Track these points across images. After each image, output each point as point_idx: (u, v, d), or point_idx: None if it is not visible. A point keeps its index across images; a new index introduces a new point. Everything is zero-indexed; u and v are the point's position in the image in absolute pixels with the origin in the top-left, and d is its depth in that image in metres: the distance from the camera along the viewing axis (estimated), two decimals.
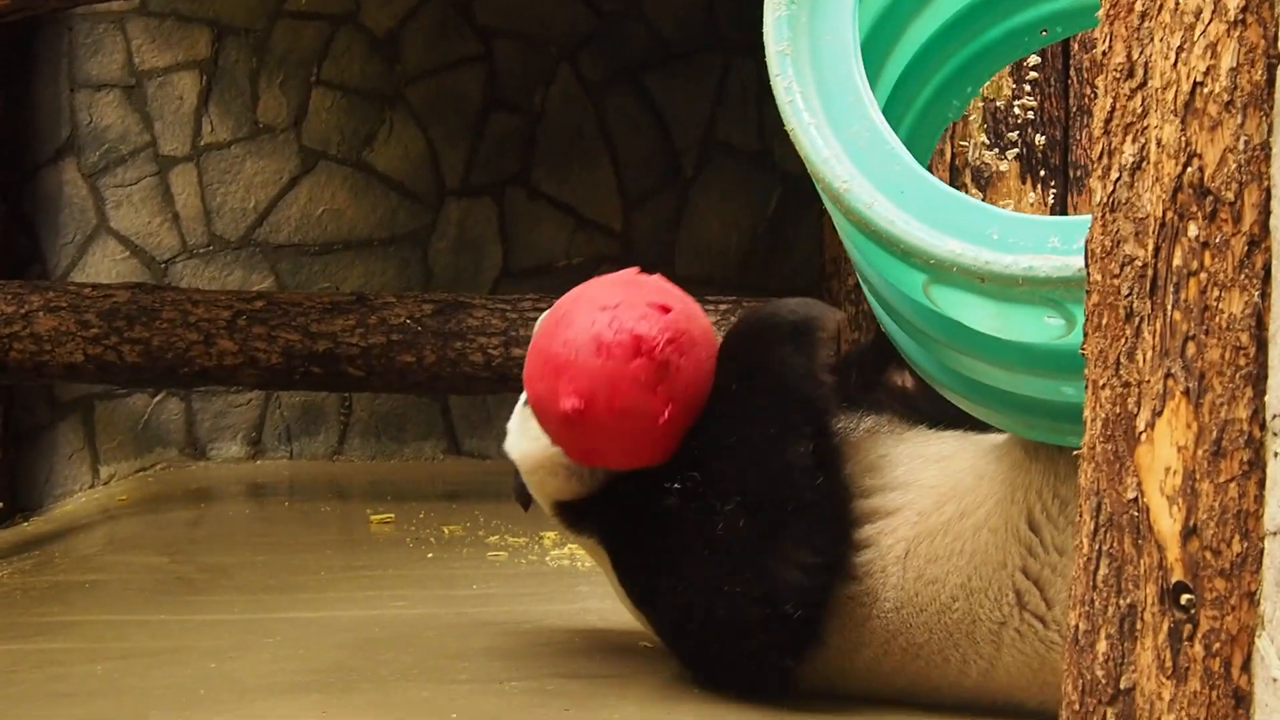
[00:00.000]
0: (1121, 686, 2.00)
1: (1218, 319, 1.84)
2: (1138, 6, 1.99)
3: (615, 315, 3.39)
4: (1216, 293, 1.84)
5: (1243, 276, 1.83)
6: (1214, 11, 1.85)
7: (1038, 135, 5.13)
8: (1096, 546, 2.03)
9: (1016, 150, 4.95)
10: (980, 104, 4.86)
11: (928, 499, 3.32)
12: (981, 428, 3.31)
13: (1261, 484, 1.82)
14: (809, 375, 3.34)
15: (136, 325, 5.97)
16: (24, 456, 7.38)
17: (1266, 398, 1.82)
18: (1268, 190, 1.83)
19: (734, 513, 3.26)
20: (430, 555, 5.22)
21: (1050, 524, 3.16)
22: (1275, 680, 1.76)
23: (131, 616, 4.41)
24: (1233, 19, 1.84)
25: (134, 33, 7.56)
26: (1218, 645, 1.84)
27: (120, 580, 4.96)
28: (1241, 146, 1.83)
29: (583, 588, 4.68)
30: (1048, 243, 2.45)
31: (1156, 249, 1.90)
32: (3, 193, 7.29)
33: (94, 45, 7.54)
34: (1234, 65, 1.84)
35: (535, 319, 5.98)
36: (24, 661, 3.89)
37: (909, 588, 3.27)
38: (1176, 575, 1.86)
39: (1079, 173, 5.32)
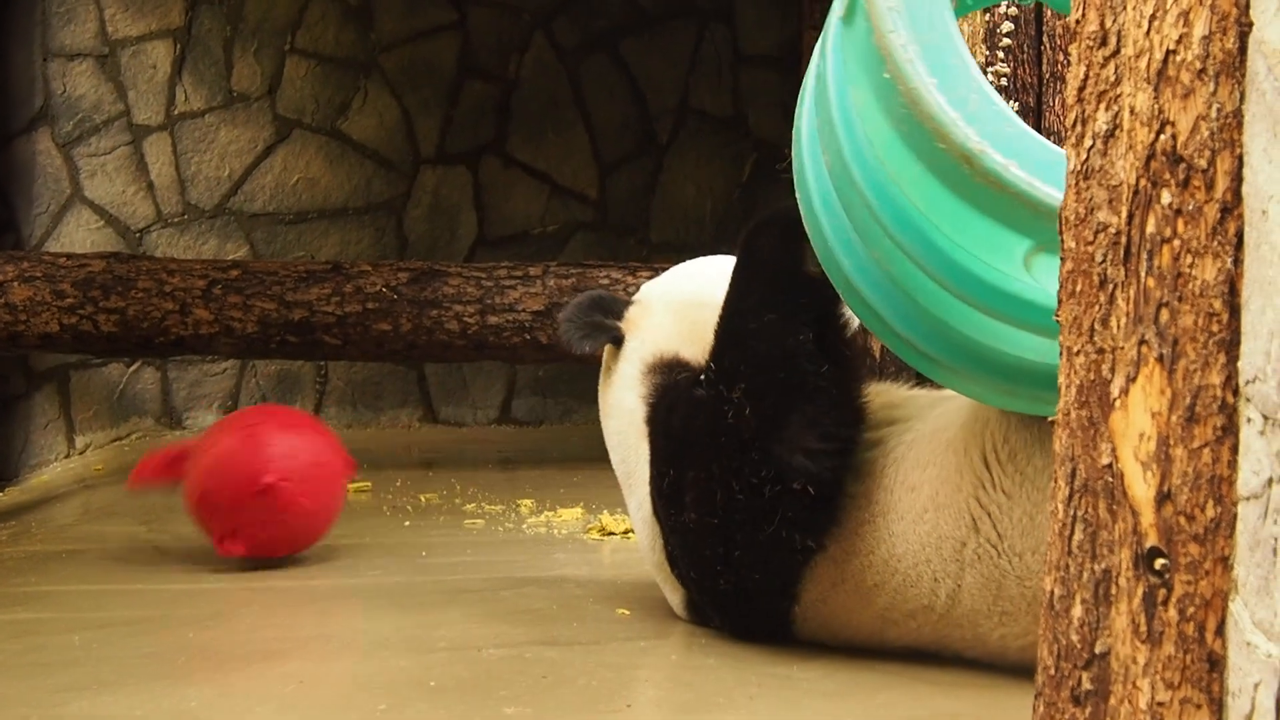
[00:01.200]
0: (1096, 651, 2.01)
1: (1191, 285, 1.85)
2: None
3: None
4: (1190, 260, 1.85)
5: (1215, 243, 1.83)
6: None
7: (1011, 101, 5.14)
8: (1071, 512, 2.04)
9: None
10: None
11: (920, 412, 3.41)
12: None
13: (1235, 449, 1.83)
14: (797, 265, 3.45)
15: (112, 295, 5.96)
16: (0, 426, 7.37)
17: (1239, 364, 1.83)
18: (1240, 158, 1.83)
19: (741, 401, 3.33)
20: (407, 524, 5.23)
21: (999, 466, 3.23)
22: (1249, 644, 1.77)
23: (108, 586, 4.41)
24: None
25: (107, 1, 7.53)
26: (1192, 610, 1.84)
27: (97, 550, 4.96)
28: (1214, 114, 1.84)
29: (559, 555, 4.70)
30: None
31: (1130, 216, 1.91)
32: None
33: (67, 14, 7.51)
34: (1206, 33, 1.84)
35: (511, 287, 6.00)
36: (1, 632, 3.89)
37: (895, 492, 3.34)
38: (1151, 540, 1.87)
39: (1052, 139, 5.33)
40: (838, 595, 3.42)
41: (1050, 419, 2.12)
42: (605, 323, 3.80)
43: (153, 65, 7.57)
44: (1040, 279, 2.70)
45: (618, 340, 3.80)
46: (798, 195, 3.28)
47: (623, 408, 3.76)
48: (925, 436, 3.38)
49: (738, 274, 3.52)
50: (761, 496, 3.33)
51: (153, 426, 7.56)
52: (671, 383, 3.65)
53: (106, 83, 7.54)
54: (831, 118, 2.97)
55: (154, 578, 4.52)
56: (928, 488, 3.31)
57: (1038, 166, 2.55)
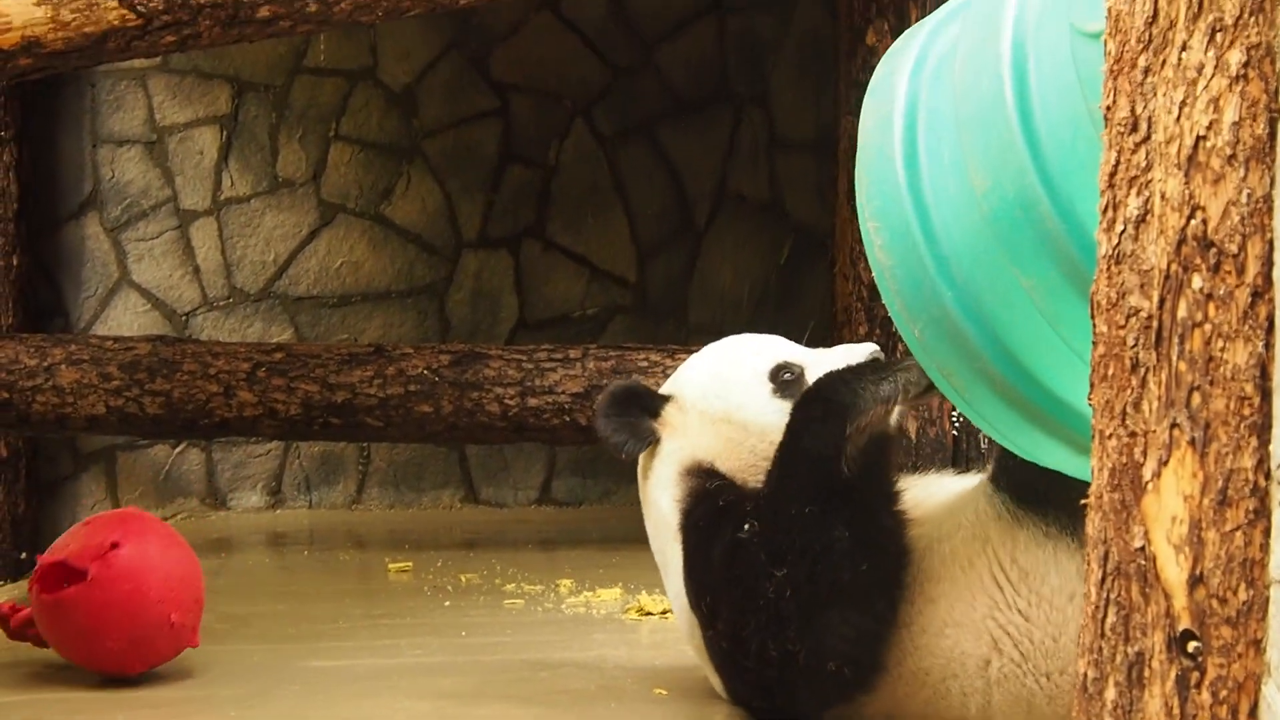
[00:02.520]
0: None
1: (1222, 369, 1.86)
2: (1141, 62, 2.02)
3: None
4: (1221, 344, 1.87)
5: (1246, 328, 1.85)
6: (1216, 67, 1.88)
7: None
8: (1104, 594, 2.05)
9: None
10: None
11: (929, 515, 3.41)
12: None
13: (1267, 532, 1.84)
14: (836, 455, 3.37)
15: (158, 377, 6.01)
16: (47, 507, 7.42)
17: (1271, 447, 1.84)
18: (1270, 242, 1.85)
19: (783, 581, 3.31)
20: (447, 603, 5.24)
21: (1011, 588, 3.21)
22: None
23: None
24: (1234, 74, 1.87)
25: (155, 89, 7.63)
26: (1225, 692, 1.85)
27: None
28: (1244, 199, 1.86)
29: (598, 635, 4.70)
30: None
31: (1161, 301, 1.93)
32: (26, 246, 7.34)
33: (116, 101, 7.61)
34: (1236, 119, 1.87)
35: (551, 369, 6.03)
36: (47, 709, 3.91)
37: (915, 604, 3.32)
38: (1184, 623, 1.88)
39: None
40: (873, 705, 3.42)
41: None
42: (643, 425, 3.79)
43: (200, 151, 7.66)
44: None
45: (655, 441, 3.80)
46: (872, 224, 3.10)
47: (659, 507, 3.75)
48: (932, 546, 3.37)
49: (783, 451, 3.49)
50: (797, 661, 3.34)
51: (198, 507, 7.60)
52: (704, 491, 3.64)
53: (154, 168, 7.63)
54: (1011, 139, 2.78)
55: (198, 654, 4.53)
56: (944, 602, 3.30)
57: None
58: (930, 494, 3.55)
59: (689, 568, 3.60)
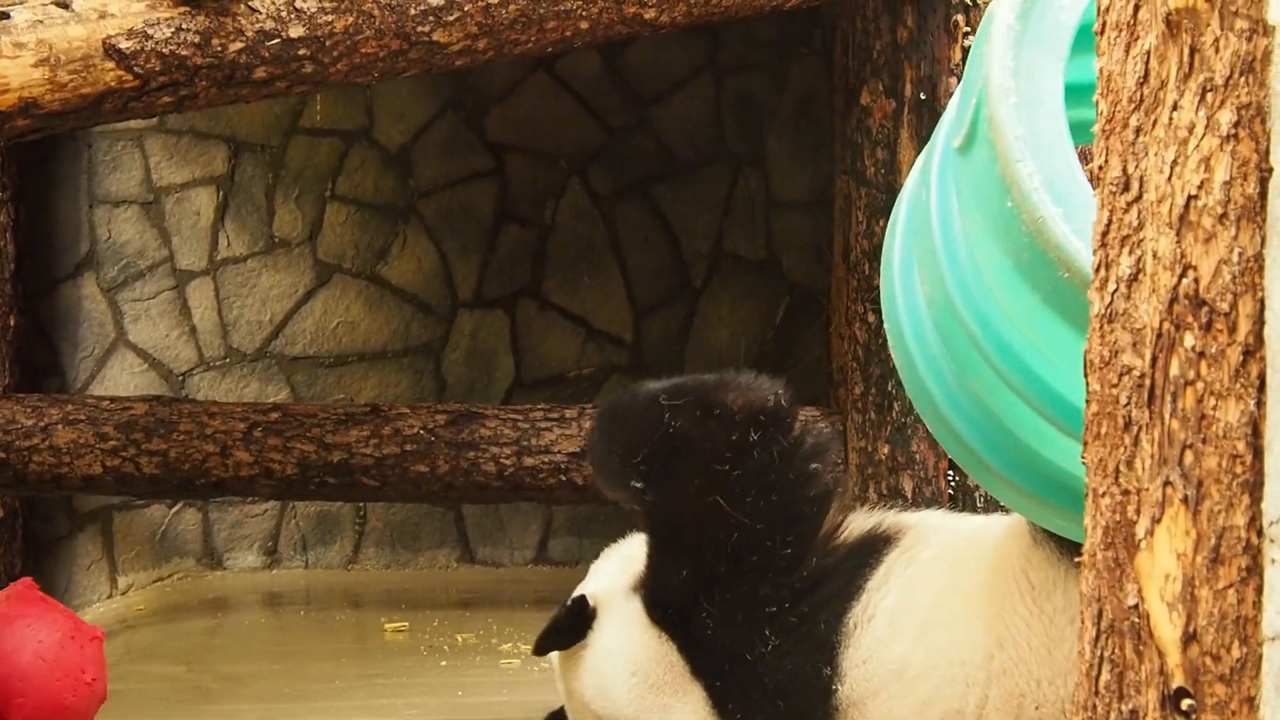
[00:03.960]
0: None
1: (1214, 428, 1.87)
2: (1132, 122, 2.03)
3: None
4: (1213, 402, 1.87)
5: (1239, 386, 1.86)
6: (1207, 127, 1.89)
7: None
8: (1098, 652, 2.05)
9: None
10: None
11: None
12: None
13: (1259, 590, 1.84)
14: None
15: (154, 437, 6.01)
16: (43, 567, 7.40)
17: (1263, 505, 1.84)
18: (1262, 301, 1.86)
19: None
20: (444, 663, 5.23)
21: (1019, 595, 3.29)
22: None
23: None
24: (1225, 134, 1.88)
25: (152, 149, 7.65)
26: None
27: (138, 690, 4.97)
28: (1235, 258, 1.87)
29: None
30: None
31: (1154, 359, 1.93)
32: (22, 306, 7.34)
33: (113, 162, 7.63)
34: (1227, 179, 1.88)
35: (547, 429, 6.03)
36: None
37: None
38: (1177, 680, 1.88)
39: None
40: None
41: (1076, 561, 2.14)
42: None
43: (196, 212, 7.68)
44: None
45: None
46: (886, 325, 3.30)
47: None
48: (945, 554, 3.44)
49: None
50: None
51: (194, 567, 7.58)
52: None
53: (151, 229, 7.65)
54: (934, 247, 2.96)
55: (193, 717, 4.54)
56: (958, 599, 3.35)
57: None
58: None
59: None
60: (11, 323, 7.25)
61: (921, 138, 5.11)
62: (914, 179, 3.21)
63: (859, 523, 3.59)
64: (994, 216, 2.72)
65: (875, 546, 3.51)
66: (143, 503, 7.47)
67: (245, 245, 7.70)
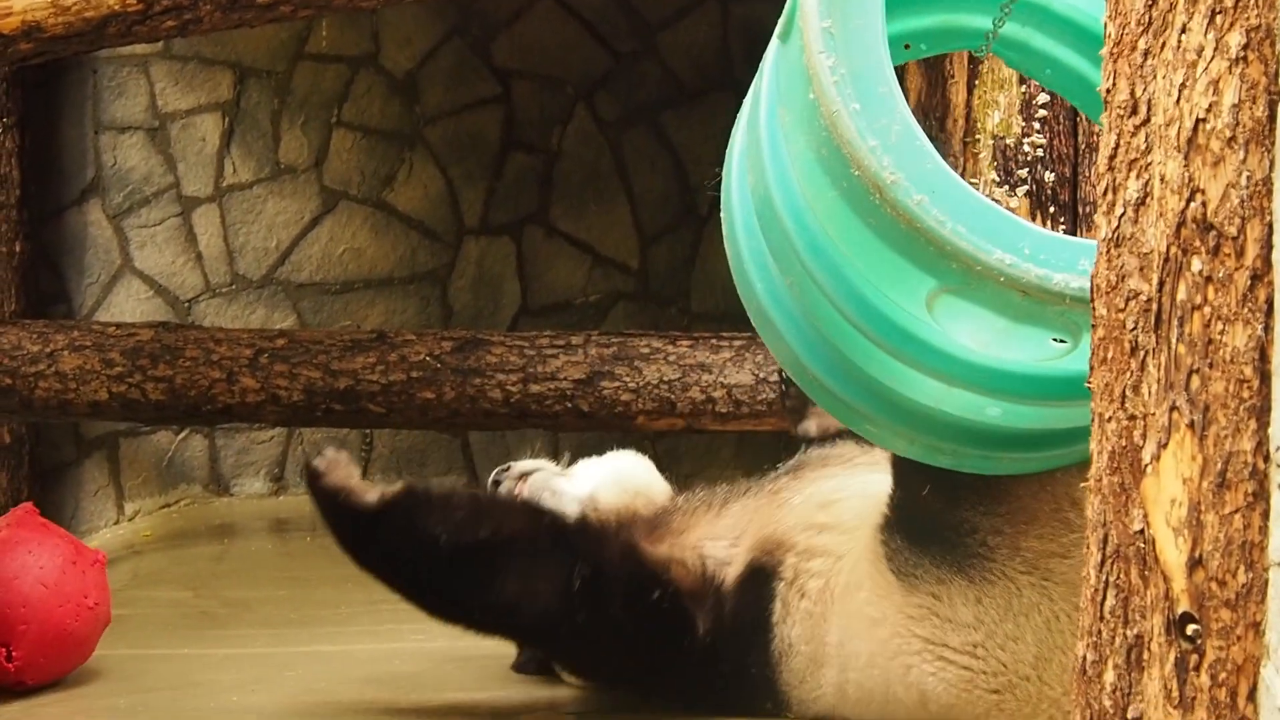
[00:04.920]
0: (1129, 716, 2.02)
1: (1221, 352, 1.86)
2: (1140, 44, 2.02)
3: None
4: (1220, 326, 1.86)
5: (1246, 310, 1.85)
6: (1215, 49, 1.88)
7: (1047, 172, 5.14)
8: (1104, 577, 2.05)
9: (1026, 187, 4.97)
10: (990, 141, 4.89)
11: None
12: None
13: (1266, 515, 1.84)
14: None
15: (160, 363, 6.01)
16: (50, 493, 7.41)
17: (1270, 430, 1.84)
18: (1269, 225, 1.85)
19: None
20: None
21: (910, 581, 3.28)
22: None
23: (155, 650, 4.45)
24: (1234, 56, 1.87)
25: (157, 75, 7.62)
26: (1224, 675, 1.85)
27: (144, 615, 4.99)
28: (1243, 182, 1.86)
29: None
30: (1078, 264, 2.43)
31: (1161, 283, 1.93)
32: (28, 233, 7.33)
33: (118, 88, 7.60)
34: (1236, 102, 1.87)
35: (553, 356, 6.02)
36: (46, 695, 3.92)
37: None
38: (1183, 606, 1.88)
39: (1088, 209, 5.34)
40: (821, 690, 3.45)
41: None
42: None
43: (202, 138, 7.65)
44: (941, 321, 2.66)
45: None
46: (722, 216, 3.21)
47: None
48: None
49: None
50: None
51: (200, 493, 7.60)
52: None
53: (156, 155, 7.63)
54: (759, 138, 2.92)
55: (200, 642, 4.55)
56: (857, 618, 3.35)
57: (952, 206, 2.50)
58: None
59: None
60: (17, 249, 7.25)
61: (924, 63, 5.05)
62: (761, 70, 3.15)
63: (717, 552, 3.57)
64: (801, 108, 2.68)
65: (762, 581, 3.48)
66: (149, 429, 7.48)
67: (251, 172, 7.68)
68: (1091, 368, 2.10)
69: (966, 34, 3.31)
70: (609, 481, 3.82)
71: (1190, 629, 1.87)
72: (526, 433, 7.44)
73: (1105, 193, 2.07)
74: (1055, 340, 2.56)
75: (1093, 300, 2.09)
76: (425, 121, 7.77)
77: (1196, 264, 1.88)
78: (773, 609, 3.45)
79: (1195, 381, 1.88)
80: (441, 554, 3.42)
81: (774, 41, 2.92)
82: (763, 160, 2.88)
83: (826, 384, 2.99)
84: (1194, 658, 1.87)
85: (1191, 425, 1.88)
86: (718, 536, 3.59)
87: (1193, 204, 1.89)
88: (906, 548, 3.25)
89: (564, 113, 7.83)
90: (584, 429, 6.29)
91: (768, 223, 2.92)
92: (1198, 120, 1.89)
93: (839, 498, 3.55)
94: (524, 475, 3.81)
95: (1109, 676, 2.04)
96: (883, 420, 2.97)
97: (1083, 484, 2.14)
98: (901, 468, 3.26)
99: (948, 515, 3.18)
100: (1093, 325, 2.09)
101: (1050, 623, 3.14)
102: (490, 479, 3.83)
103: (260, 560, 6.20)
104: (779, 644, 3.44)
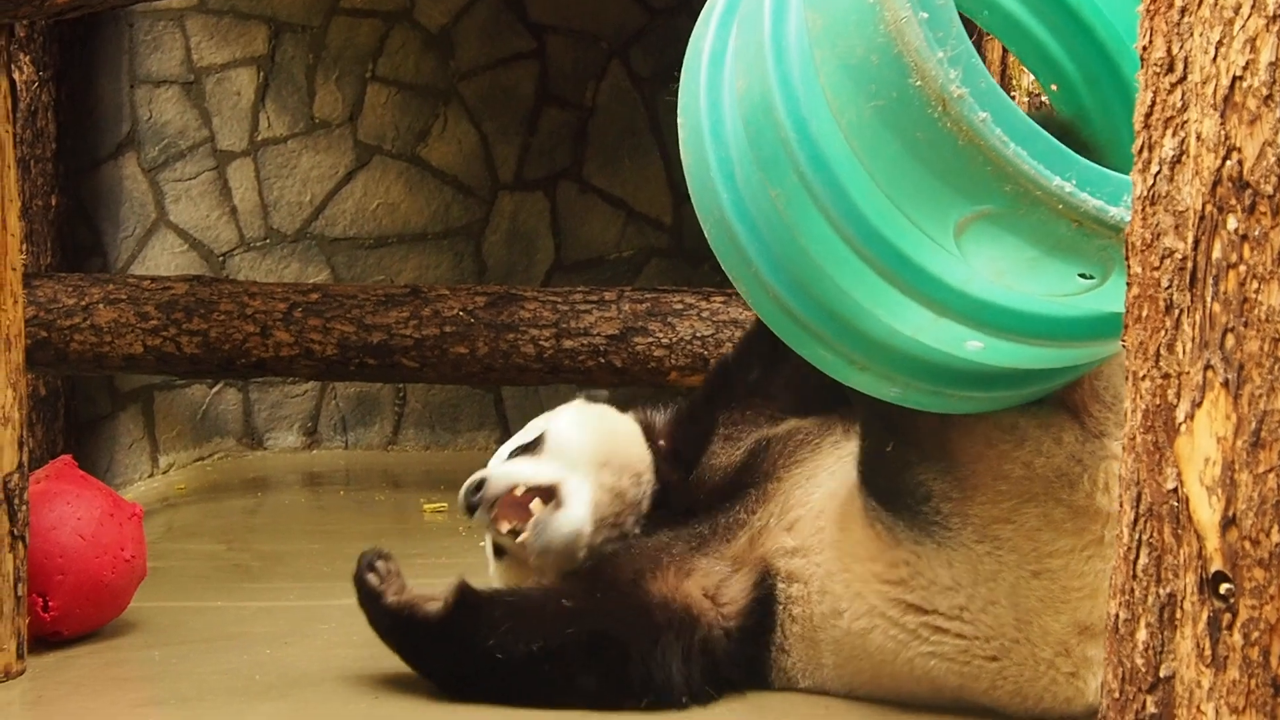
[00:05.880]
0: (1161, 674, 2.02)
1: (1256, 311, 1.85)
2: (1178, 2, 2.01)
3: None
4: (1255, 285, 1.85)
5: None
6: (1253, 7, 1.86)
7: None
8: (1136, 536, 2.05)
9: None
10: (1025, 99, 4.87)
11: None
12: None
13: None
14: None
15: (194, 317, 6.02)
16: (85, 446, 7.46)
17: None
18: None
19: None
20: (482, 543, 5.25)
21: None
22: None
23: (189, 603, 4.47)
24: (1272, 14, 1.85)
25: (193, 30, 7.63)
26: (1256, 634, 1.85)
27: (178, 567, 5.02)
28: None
29: None
30: (1122, 199, 2.39)
31: (1196, 242, 1.92)
32: (64, 187, 7.36)
33: (153, 42, 7.62)
34: (1273, 60, 1.85)
35: (586, 311, 6.02)
36: (81, 647, 3.95)
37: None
38: (1216, 565, 1.88)
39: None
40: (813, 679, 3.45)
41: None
42: None
43: (237, 92, 7.66)
44: (965, 249, 2.59)
45: None
46: (681, 119, 3.10)
47: None
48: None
49: None
50: None
51: (234, 447, 7.64)
52: None
53: (192, 109, 7.64)
54: (761, 40, 2.79)
55: (233, 595, 4.57)
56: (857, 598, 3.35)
57: (1011, 127, 2.42)
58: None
59: None
60: (53, 202, 7.27)
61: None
62: None
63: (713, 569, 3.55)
64: (843, 14, 2.56)
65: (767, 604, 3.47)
66: (184, 382, 7.52)
67: (286, 126, 7.69)
68: (1126, 326, 2.09)
69: None
70: (595, 489, 3.70)
71: (1223, 588, 1.87)
72: (559, 388, 7.46)
73: (1141, 150, 2.06)
74: (1082, 276, 2.52)
75: (1127, 257, 2.08)
76: (460, 76, 7.76)
77: (1232, 222, 1.87)
78: (774, 635, 3.44)
79: (1230, 340, 1.87)
80: (514, 663, 3.36)
81: None
82: (764, 64, 2.77)
83: (786, 301, 2.92)
84: (1227, 616, 1.87)
85: (1226, 384, 1.87)
86: (713, 566, 3.54)
87: (1229, 162, 1.87)
88: (879, 507, 3.25)
89: (598, 68, 7.82)
90: (617, 384, 6.29)
91: (759, 130, 2.81)
92: (1234, 78, 1.87)
93: (801, 514, 3.51)
94: (496, 500, 3.68)
95: (1141, 635, 2.04)
96: (840, 345, 2.90)
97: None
98: (869, 426, 3.25)
99: (905, 477, 3.17)
100: (1128, 283, 2.08)
101: (1016, 588, 3.12)
102: (462, 500, 3.73)
103: (293, 514, 6.22)
104: (778, 669, 3.46)
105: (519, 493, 3.65)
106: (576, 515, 3.59)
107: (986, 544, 3.13)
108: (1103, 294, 2.50)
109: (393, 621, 3.42)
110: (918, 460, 3.17)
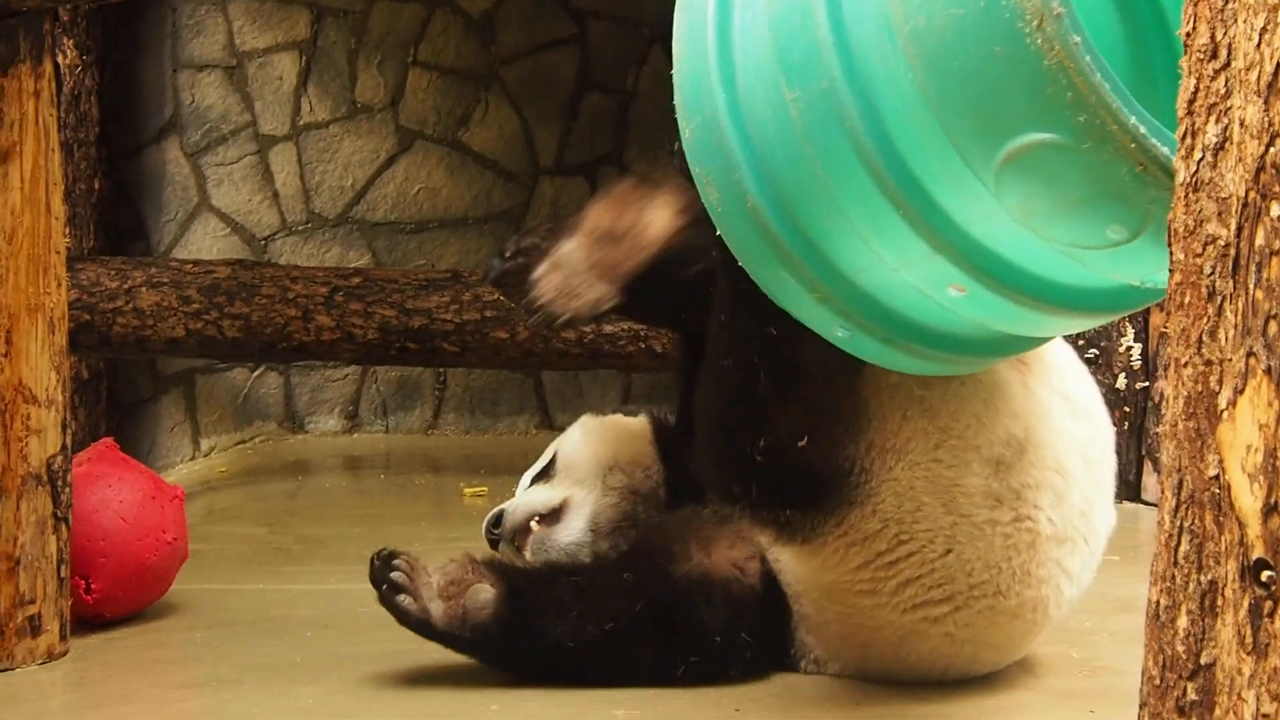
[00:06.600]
0: (1202, 662, 2.01)
1: None
2: None
3: None
4: None
5: None
6: None
7: None
8: (1178, 523, 2.04)
9: None
10: None
11: None
12: None
13: None
14: None
15: (236, 301, 6.05)
16: (127, 429, 7.50)
17: None
18: None
19: None
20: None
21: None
22: None
23: (230, 586, 4.49)
24: None
25: (235, 14, 7.65)
26: None
27: (219, 550, 5.04)
28: None
29: None
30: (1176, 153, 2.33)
31: (1239, 228, 1.91)
32: (107, 170, 7.40)
33: (196, 26, 7.64)
34: None
35: None
36: (123, 629, 3.97)
37: None
38: (1257, 552, 1.87)
39: None
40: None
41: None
42: None
43: (279, 77, 7.69)
44: (1001, 181, 2.49)
45: None
46: (678, 14, 2.97)
47: None
48: None
49: None
50: None
51: (275, 430, 7.67)
52: None
53: (234, 93, 7.67)
54: None
55: (275, 578, 4.59)
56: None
57: (1097, 61, 2.32)
58: None
59: None
60: (96, 186, 7.31)
61: None
62: None
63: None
64: None
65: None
66: (225, 366, 7.55)
67: (327, 111, 7.71)
68: (1168, 313, 2.08)
69: None
70: (601, 495, 3.79)
71: (1265, 575, 1.86)
72: (599, 373, 7.47)
73: (1184, 137, 2.05)
74: (1113, 229, 2.48)
75: (1169, 244, 2.08)
76: (501, 61, 7.77)
77: (1276, 209, 1.86)
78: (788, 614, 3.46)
79: (1273, 327, 1.86)
80: (585, 645, 3.37)
81: None
82: None
83: (764, 215, 2.80)
84: (1268, 604, 1.86)
85: (1268, 371, 1.87)
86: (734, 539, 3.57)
87: (1272, 149, 1.87)
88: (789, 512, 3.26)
89: (639, 54, 7.81)
90: (656, 369, 6.30)
91: (791, 29, 2.68)
92: (1278, 64, 1.87)
93: None
94: (517, 533, 3.80)
95: (1182, 622, 2.04)
96: (805, 268, 2.80)
97: (1157, 429, 2.12)
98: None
99: (829, 457, 3.17)
100: (1170, 270, 2.08)
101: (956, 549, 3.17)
102: (485, 533, 3.82)
103: (334, 497, 6.24)
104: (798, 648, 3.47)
105: (534, 522, 3.78)
106: (574, 528, 3.72)
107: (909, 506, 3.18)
108: (1121, 254, 2.47)
109: (438, 633, 3.41)
110: (842, 434, 3.17)
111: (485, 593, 3.36)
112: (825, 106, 2.63)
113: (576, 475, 3.81)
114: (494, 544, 3.79)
